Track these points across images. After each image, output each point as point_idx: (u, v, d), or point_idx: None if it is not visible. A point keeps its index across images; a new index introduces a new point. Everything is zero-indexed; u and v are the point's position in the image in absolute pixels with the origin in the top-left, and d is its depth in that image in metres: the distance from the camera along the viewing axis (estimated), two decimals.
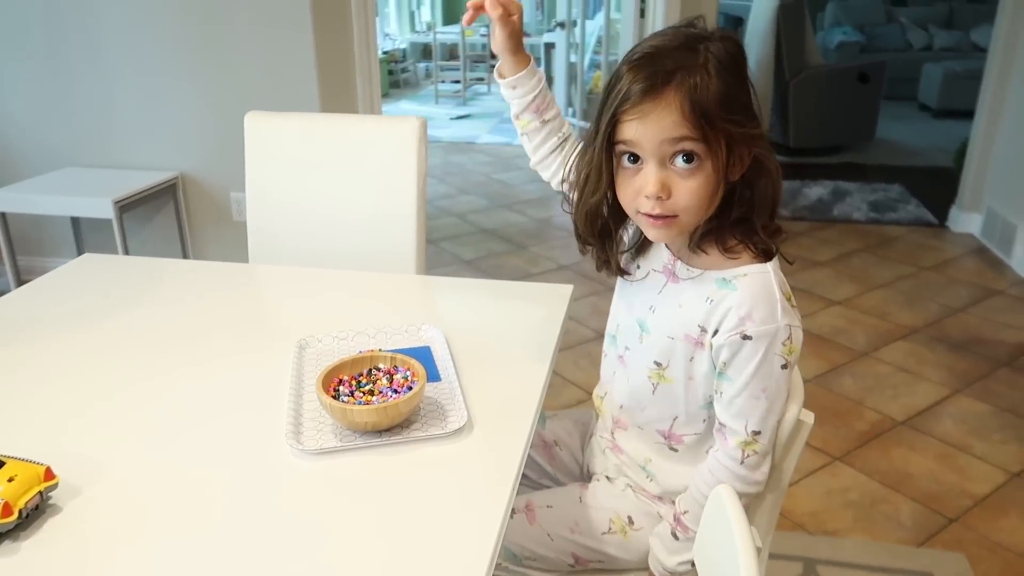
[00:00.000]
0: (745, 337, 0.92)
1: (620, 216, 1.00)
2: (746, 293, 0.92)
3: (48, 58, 2.94)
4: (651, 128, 0.88)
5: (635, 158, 0.91)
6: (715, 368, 0.97)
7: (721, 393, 0.97)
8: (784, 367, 0.93)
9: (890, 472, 2.05)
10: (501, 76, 1.14)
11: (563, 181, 1.13)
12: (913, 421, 2.28)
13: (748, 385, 0.94)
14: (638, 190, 0.91)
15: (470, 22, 1.09)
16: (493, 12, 1.06)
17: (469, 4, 1.08)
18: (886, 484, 2.00)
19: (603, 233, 1.02)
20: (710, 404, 1.01)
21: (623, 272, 1.06)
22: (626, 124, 0.89)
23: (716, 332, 0.94)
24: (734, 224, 0.94)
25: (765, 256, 0.96)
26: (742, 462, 0.97)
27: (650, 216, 0.92)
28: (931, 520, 1.88)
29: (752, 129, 0.90)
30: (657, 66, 0.88)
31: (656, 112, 0.87)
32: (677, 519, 1.02)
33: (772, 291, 0.92)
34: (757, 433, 0.95)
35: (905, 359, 2.64)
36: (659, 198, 0.90)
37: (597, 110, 0.95)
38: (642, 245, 1.06)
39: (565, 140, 1.15)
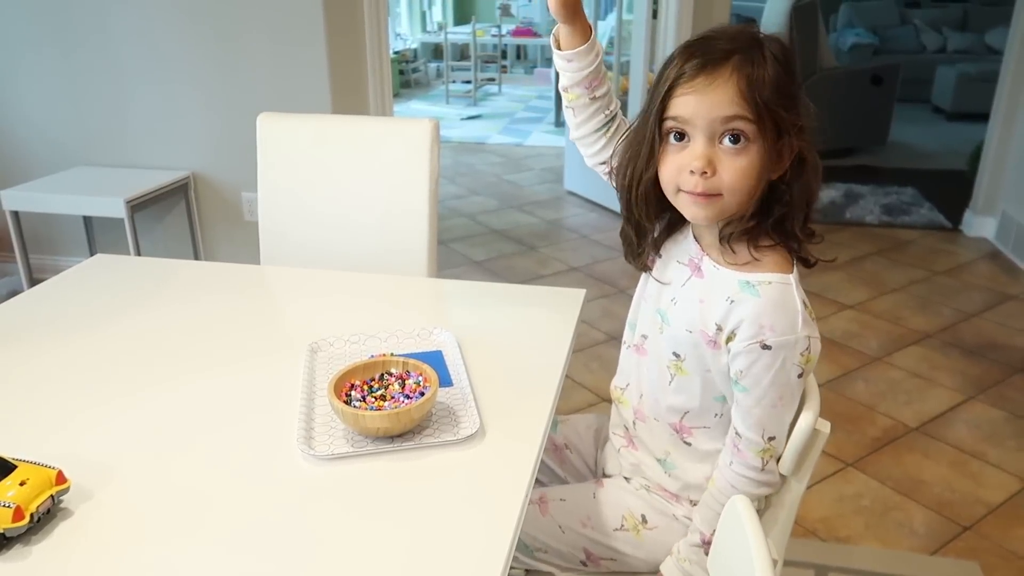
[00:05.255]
0: (765, 347, 0.91)
1: (662, 203, 0.99)
2: (768, 302, 0.92)
3: (61, 57, 2.95)
4: (705, 104, 0.88)
5: (681, 136, 0.92)
6: (730, 373, 0.96)
7: (737, 403, 0.97)
8: (800, 376, 0.93)
9: (903, 479, 2.03)
10: (557, 46, 1.09)
11: (604, 164, 1.12)
12: (927, 427, 2.26)
13: (766, 395, 0.93)
14: (682, 166, 0.92)
15: None
16: None
17: None
18: (899, 491, 1.99)
19: (649, 217, 1.01)
20: (724, 399, 1.01)
21: (648, 267, 1.07)
22: (679, 99, 0.90)
23: (731, 337, 0.94)
24: (772, 225, 0.94)
25: (799, 260, 0.95)
26: (763, 469, 0.97)
27: (692, 193, 0.92)
28: (944, 528, 1.86)
29: (798, 119, 0.90)
30: (714, 46, 0.90)
31: (711, 88, 0.88)
32: (709, 543, 1.00)
33: (794, 302, 0.92)
34: (772, 439, 0.96)
35: (918, 364, 2.62)
36: (704, 173, 0.89)
37: (649, 91, 0.96)
38: (669, 235, 1.06)
39: (611, 119, 1.12)
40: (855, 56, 6.95)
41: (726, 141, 0.89)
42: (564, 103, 1.13)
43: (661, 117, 0.92)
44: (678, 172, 0.92)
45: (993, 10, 6.90)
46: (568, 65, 1.08)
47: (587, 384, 2.45)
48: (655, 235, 1.05)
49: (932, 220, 4.03)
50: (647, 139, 0.95)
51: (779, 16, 4.92)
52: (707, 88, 0.88)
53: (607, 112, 1.11)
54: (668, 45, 3.47)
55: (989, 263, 3.50)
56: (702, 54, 0.89)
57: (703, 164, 0.89)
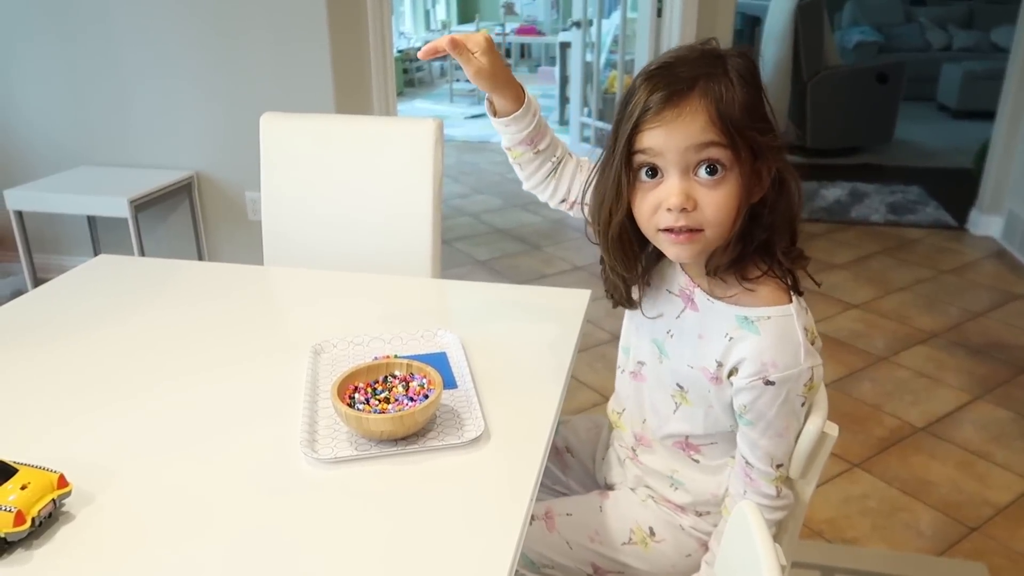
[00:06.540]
0: (768, 383, 0.90)
1: (642, 242, 0.96)
2: (768, 339, 0.89)
3: (64, 57, 2.95)
4: (675, 135, 0.84)
5: (653, 172, 0.88)
6: (733, 405, 0.95)
7: (743, 434, 0.96)
8: (804, 404, 0.92)
9: (909, 479, 2.02)
10: (493, 112, 1.06)
11: (564, 202, 1.12)
12: (933, 427, 2.25)
13: (771, 427, 0.92)
14: (658, 204, 0.88)
15: (427, 57, 1.03)
16: (451, 52, 0.98)
17: (424, 48, 1.01)
18: (905, 492, 1.98)
19: (627, 266, 0.97)
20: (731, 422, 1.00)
21: (635, 304, 1.03)
22: (647, 133, 0.86)
23: (733, 373, 0.93)
24: (755, 251, 0.91)
25: (789, 285, 0.92)
26: (778, 496, 0.96)
27: (672, 232, 0.88)
28: (951, 529, 1.85)
29: (774, 140, 0.87)
30: (677, 74, 0.86)
31: (680, 119, 0.84)
32: None
33: (795, 335, 0.89)
34: (780, 466, 0.95)
35: (924, 364, 2.60)
36: (684, 210, 0.86)
37: (612, 127, 0.91)
38: (657, 262, 1.02)
39: (560, 161, 1.11)
40: (860, 54, 6.93)
41: (702, 172, 0.85)
42: (510, 159, 1.12)
43: (629, 152, 0.88)
44: (655, 211, 0.88)
45: (999, 8, 6.87)
46: (506, 129, 1.07)
47: (591, 384, 2.44)
48: (639, 270, 1.00)
49: (938, 219, 4.01)
50: (614, 178, 0.90)
51: (784, 14, 4.90)
52: (676, 120, 0.84)
53: (553, 159, 1.10)
54: (673, 43, 3.45)
55: (995, 262, 3.49)
56: (665, 85, 0.85)
57: (681, 200, 0.85)
